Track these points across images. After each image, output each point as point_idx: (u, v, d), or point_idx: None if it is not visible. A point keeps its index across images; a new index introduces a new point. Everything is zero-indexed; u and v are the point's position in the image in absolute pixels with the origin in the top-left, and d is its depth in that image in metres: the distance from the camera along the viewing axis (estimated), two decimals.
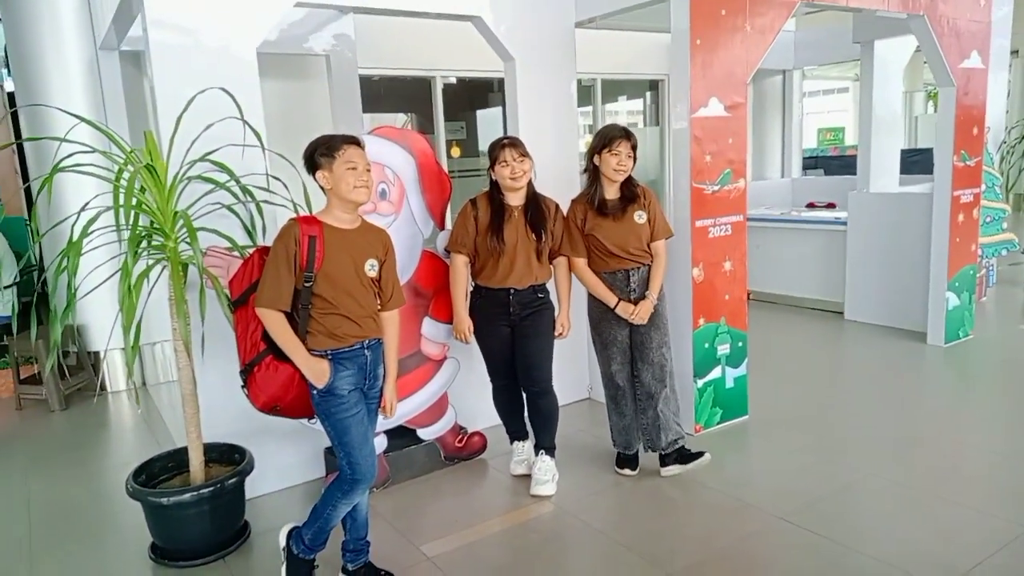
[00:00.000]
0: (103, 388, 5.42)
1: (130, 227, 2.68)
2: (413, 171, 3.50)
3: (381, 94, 7.21)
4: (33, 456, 4.29)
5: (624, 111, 9.60)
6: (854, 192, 6.23)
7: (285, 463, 3.55)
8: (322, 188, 2.56)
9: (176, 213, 2.74)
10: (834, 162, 12.04)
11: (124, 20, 4.26)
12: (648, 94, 9.14)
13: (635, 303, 3.38)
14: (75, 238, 2.59)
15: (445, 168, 3.70)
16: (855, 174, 6.55)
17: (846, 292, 6.28)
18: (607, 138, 3.32)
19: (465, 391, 3.78)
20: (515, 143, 3.28)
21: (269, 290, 2.39)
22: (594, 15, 4.14)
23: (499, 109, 8.32)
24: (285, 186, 3.20)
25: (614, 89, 8.87)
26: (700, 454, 3.54)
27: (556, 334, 3.44)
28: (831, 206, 7.44)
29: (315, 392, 2.48)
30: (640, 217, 3.35)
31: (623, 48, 7.65)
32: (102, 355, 5.34)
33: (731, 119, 3.86)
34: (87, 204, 2.78)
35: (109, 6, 4.54)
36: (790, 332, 6.13)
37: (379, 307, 2.64)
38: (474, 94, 8.40)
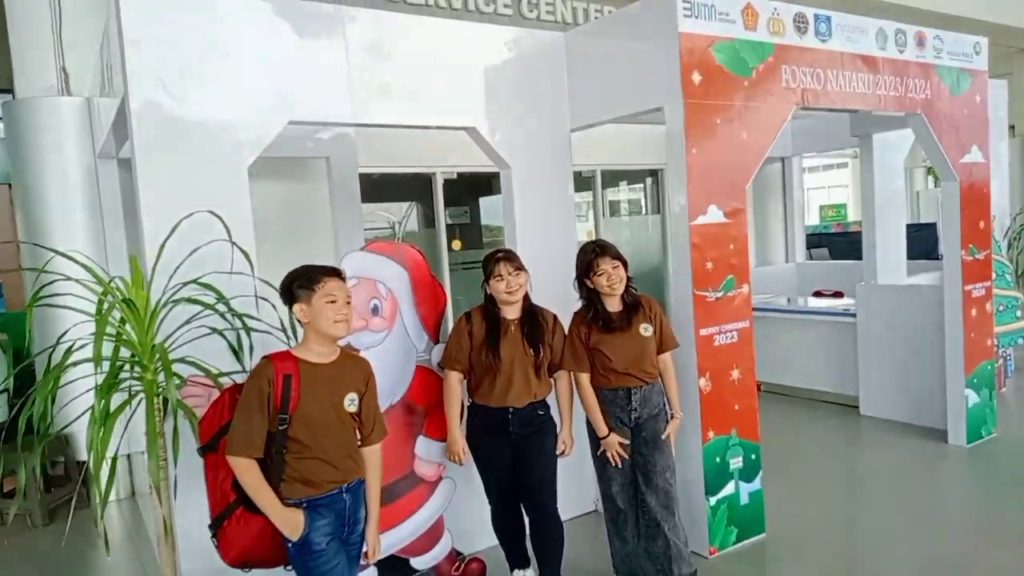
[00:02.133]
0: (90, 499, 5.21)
1: (108, 360, 2.57)
2: (407, 285, 3.40)
3: (382, 185, 7.23)
4: None
5: (625, 199, 9.62)
6: (862, 284, 6.10)
7: None
8: (299, 321, 2.46)
9: (154, 346, 2.62)
10: (838, 239, 12.00)
11: (122, 128, 4.27)
12: (648, 180, 9.17)
13: (636, 428, 3.23)
14: (51, 368, 2.50)
15: (445, 272, 3.61)
16: (860, 256, 6.46)
17: (860, 386, 6.08)
18: (586, 263, 3.26)
19: (461, 509, 3.58)
20: (510, 256, 3.19)
21: (240, 436, 2.25)
22: (590, 122, 4.13)
23: (500, 195, 8.35)
24: (275, 308, 3.10)
25: (615, 177, 8.91)
26: None
27: (559, 453, 3.27)
28: (838, 295, 7.31)
29: (290, 544, 2.30)
30: (646, 330, 3.22)
31: (622, 140, 7.69)
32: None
33: (731, 225, 3.78)
34: (64, 333, 2.68)
35: (108, 115, 4.58)
36: (804, 430, 5.89)
37: (359, 443, 2.49)
38: (476, 183, 8.44)
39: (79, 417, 2.70)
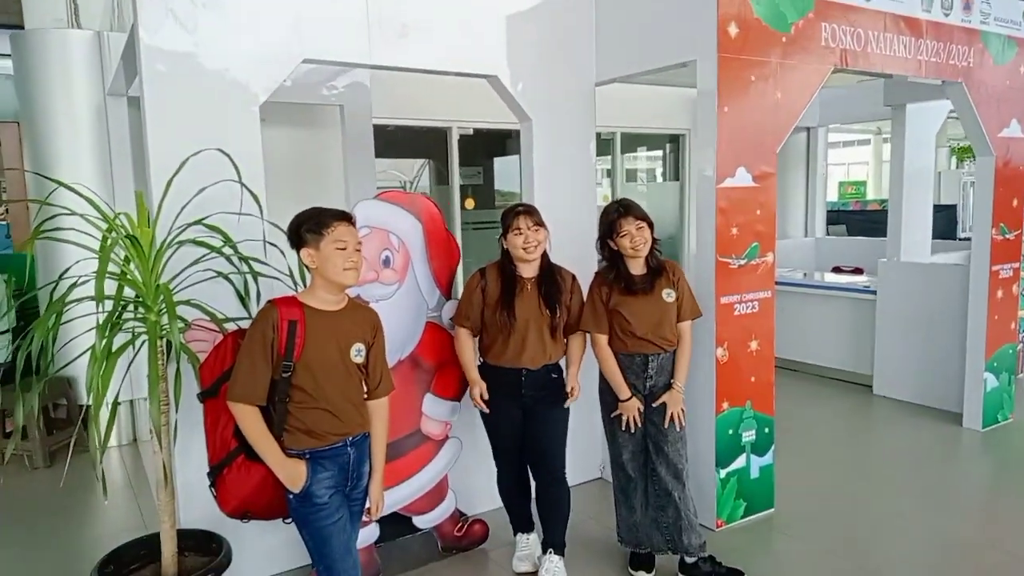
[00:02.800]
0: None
1: (111, 299, 2.47)
2: (420, 238, 3.28)
3: (396, 140, 7.07)
4: (4, 521, 4.03)
5: (643, 166, 9.42)
6: (884, 260, 5.94)
7: (268, 547, 3.26)
8: (306, 267, 2.34)
9: (159, 286, 2.51)
10: (856, 216, 11.80)
11: (132, 64, 4.13)
12: (667, 146, 8.96)
13: (650, 396, 3.13)
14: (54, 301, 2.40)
15: (456, 231, 3.49)
16: (879, 233, 6.30)
17: (875, 365, 5.95)
18: (608, 223, 3.11)
19: (465, 470, 3.50)
20: (530, 211, 3.06)
21: (243, 382, 2.15)
22: (616, 75, 3.95)
23: (516, 157, 8.18)
24: (283, 254, 2.98)
25: (633, 141, 8.71)
26: (736, 573, 3.17)
27: (568, 398, 3.15)
28: (858, 271, 7.16)
29: (291, 496, 2.22)
30: (669, 296, 3.09)
31: (644, 102, 7.47)
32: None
33: (759, 189, 3.62)
34: (67, 270, 2.57)
35: (118, 50, 4.43)
36: (816, 407, 5.79)
37: (365, 395, 2.39)
38: (491, 142, 8.26)
39: (80, 356, 2.60)
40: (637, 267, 3.14)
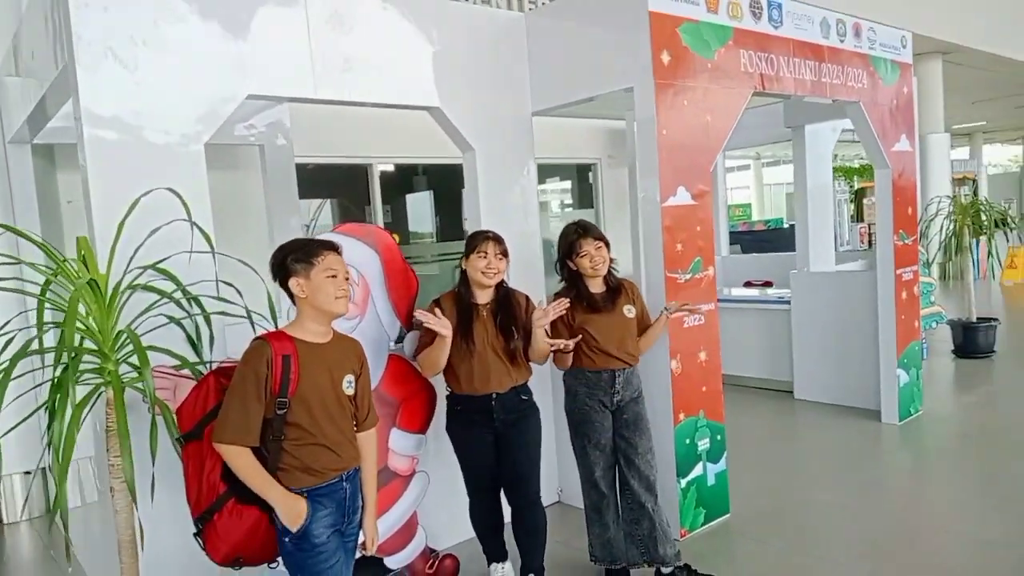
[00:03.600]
0: None
1: (65, 352, 2.29)
2: (378, 269, 3.24)
3: (313, 179, 6.93)
4: None
5: (556, 197, 9.65)
6: (795, 271, 6.32)
7: None
8: (291, 299, 2.28)
9: (119, 332, 2.36)
10: (746, 236, 12.57)
11: (41, 115, 3.91)
12: (576, 175, 9.22)
13: (617, 410, 3.20)
14: None
15: None
16: (769, 250, 6.69)
17: (794, 371, 6.29)
18: (568, 244, 3.20)
19: (432, 505, 3.43)
20: (499, 239, 3.09)
21: (235, 422, 2.05)
22: (553, 104, 4.07)
23: (428, 193, 8.20)
24: (239, 292, 2.87)
25: (544, 172, 8.90)
26: None
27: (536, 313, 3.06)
28: (768, 284, 7.56)
29: (286, 540, 2.12)
30: (630, 312, 3.20)
31: (556, 133, 7.69)
32: None
33: (698, 207, 3.80)
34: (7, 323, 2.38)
35: (23, 96, 4.17)
36: (744, 415, 6.02)
37: (355, 428, 2.33)
38: (401, 179, 8.23)
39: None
40: (596, 286, 3.22)
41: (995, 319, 7.49)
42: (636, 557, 3.28)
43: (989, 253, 7.66)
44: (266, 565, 2.44)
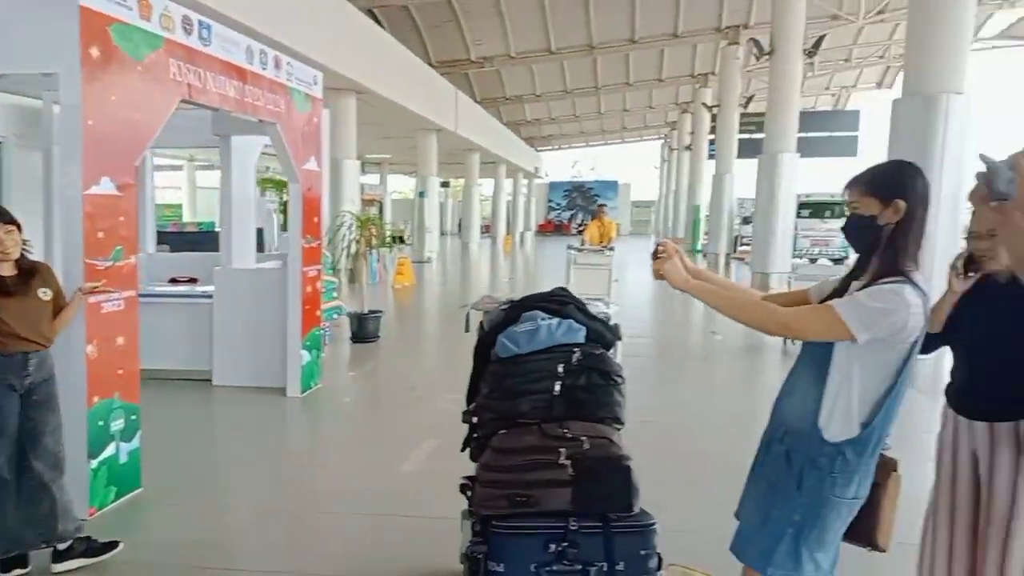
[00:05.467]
0: None
1: None
2: None
3: None
4: None
5: None
6: (219, 268, 6.83)
7: None
8: None
9: None
10: (175, 236, 12.55)
11: None
12: None
13: (27, 393, 3.21)
14: None
15: None
16: (200, 250, 7.17)
17: (214, 360, 6.76)
18: None
19: None
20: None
21: None
22: None
23: None
24: None
25: None
26: (113, 544, 3.45)
27: None
28: (193, 281, 7.87)
29: None
30: (45, 294, 3.24)
31: None
32: None
33: (122, 198, 3.99)
34: None
35: None
36: (164, 404, 6.20)
37: None
38: None
39: None
40: (7, 269, 3.17)
41: (380, 311, 9.27)
42: (34, 539, 3.26)
43: (382, 261, 9.47)
44: None
